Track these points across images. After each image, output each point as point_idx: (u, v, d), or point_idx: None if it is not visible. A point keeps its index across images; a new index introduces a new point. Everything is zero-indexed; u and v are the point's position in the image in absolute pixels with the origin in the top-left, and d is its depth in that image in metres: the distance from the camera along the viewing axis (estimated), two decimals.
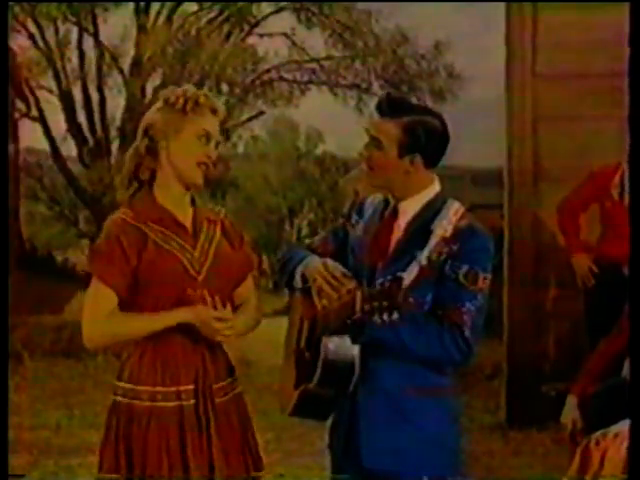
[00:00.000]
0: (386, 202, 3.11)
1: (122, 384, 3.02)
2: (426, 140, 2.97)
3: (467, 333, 2.89)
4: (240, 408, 3.12)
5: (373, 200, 3.17)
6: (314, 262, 3.03)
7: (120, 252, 2.97)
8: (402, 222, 3.03)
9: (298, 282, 3.09)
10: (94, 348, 3.13)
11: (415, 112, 3.00)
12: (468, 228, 2.95)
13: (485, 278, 2.92)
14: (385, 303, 2.81)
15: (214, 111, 3.06)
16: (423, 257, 2.89)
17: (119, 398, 3.01)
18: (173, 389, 2.99)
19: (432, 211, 2.99)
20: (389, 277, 2.85)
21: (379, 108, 3.02)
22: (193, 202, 3.12)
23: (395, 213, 3.05)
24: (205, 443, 2.98)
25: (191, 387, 3.00)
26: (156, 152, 3.05)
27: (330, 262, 2.99)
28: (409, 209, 3.02)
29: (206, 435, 2.98)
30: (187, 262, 3.01)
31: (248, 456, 3.09)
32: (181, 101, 3.02)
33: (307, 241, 3.30)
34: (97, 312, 2.99)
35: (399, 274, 2.85)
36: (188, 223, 3.08)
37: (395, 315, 2.82)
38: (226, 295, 3.09)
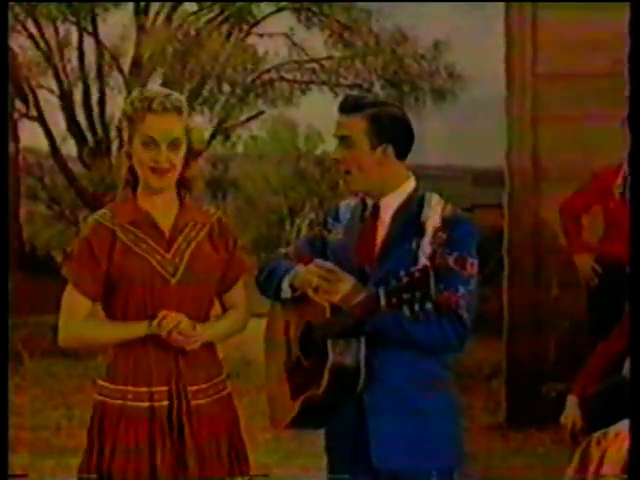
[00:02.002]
0: (363, 204, 3.13)
1: (100, 382, 3.05)
2: (392, 128, 3.03)
3: (465, 317, 2.92)
4: (227, 411, 3.09)
5: (349, 203, 3.19)
6: (302, 269, 3.04)
7: (90, 256, 2.98)
8: (385, 218, 3.06)
9: (287, 292, 3.08)
10: (67, 349, 3.19)
11: (376, 105, 3.06)
12: (453, 217, 3.01)
13: (472, 263, 2.97)
14: (418, 294, 2.79)
15: (154, 111, 2.96)
16: (426, 245, 2.92)
17: (95, 396, 3.05)
18: (145, 389, 2.98)
19: (415, 204, 3.03)
20: (414, 269, 2.84)
21: (342, 109, 3.07)
22: (182, 201, 3.10)
23: (376, 211, 3.07)
24: (177, 445, 2.96)
25: (164, 388, 2.99)
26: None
27: (320, 261, 3.01)
28: (390, 205, 3.06)
29: (178, 437, 2.96)
30: (157, 264, 2.99)
31: (234, 459, 3.06)
32: (127, 109, 3.00)
33: (282, 250, 3.30)
34: (70, 316, 3.04)
35: (423, 263, 2.86)
36: (167, 224, 3.05)
37: (429, 305, 2.80)
38: (206, 297, 3.08)
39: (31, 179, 18.12)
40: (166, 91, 3.04)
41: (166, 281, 2.99)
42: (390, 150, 3.03)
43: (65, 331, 3.07)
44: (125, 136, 3.02)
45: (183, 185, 3.09)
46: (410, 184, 3.09)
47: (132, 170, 3.05)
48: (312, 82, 19.37)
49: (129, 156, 3.03)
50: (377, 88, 18.75)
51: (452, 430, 3.08)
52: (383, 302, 2.83)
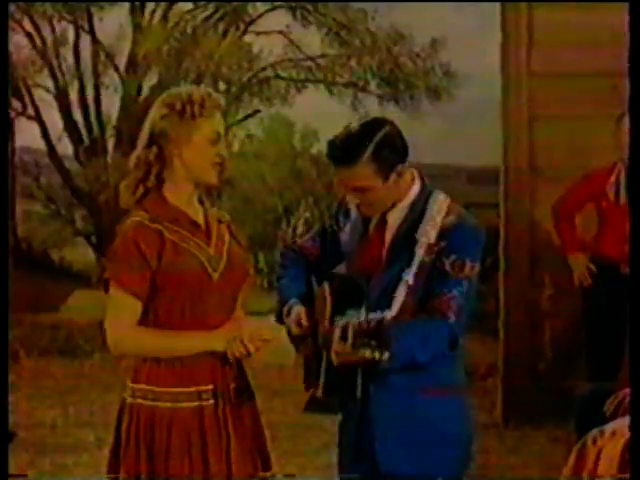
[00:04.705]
0: None
1: (140, 386, 3.00)
2: (393, 151, 2.97)
3: (452, 320, 2.91)
4: (252, 408, 3.12)
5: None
6: (294, 314, 3.12)
7: (139, 256, 2.94)
8: (392, 229, 3.05)
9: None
10: (120, 356, 3.14)
11: (367, 136, 2.95)
12: (455, 225, 2.98)
13: (473, 267, 2.95)
14: (373, 342, 2.78)
15: (219, 108, 3.02)
16: (410, 277, 2.91)
17: (139, 400, 2.99)
18: (193, 389, 2.98)
19: (416, 213, 3.00)
20: (372, 317, 2.87)
21: (338, 161, 2.97)
22: (201, 202, 3.11)
23: (384, 222, 3.06)
24: (225, 443, 2.98)
25: (210, 387, 3.00)
26: (165, 158, 3.02)
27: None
28: (397, 216, 3.04)
29: (225, 435, 2.98)
30: (205, 260, 3.01)
31: (258, 456, 3.09)
32: (188, 108, 2.96)
33: (298, 241, 3.31)
34: (122, 322, 2.97)
35: (385, 313, 2.87)
36: (201, 222, 3.07)
37: (386, 355, 2.78)
38: (237, 294, 3.11)
39: (27, 178, 18.10)
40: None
41: (209, 277, 3.00)
42: (399, 167, 2.99)
43: (118, 341, 2.99)
44: (173, 133, 2.97)
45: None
46: (415, 188, 3.06)
47: (161, 169, 3.04)
48: (308, 80, 19.36)
49: (163, 160, 3.01)
50: (372, 86, 18.75)
51: (461, 436, 3.07)
52: (349, 341, 2.82)
